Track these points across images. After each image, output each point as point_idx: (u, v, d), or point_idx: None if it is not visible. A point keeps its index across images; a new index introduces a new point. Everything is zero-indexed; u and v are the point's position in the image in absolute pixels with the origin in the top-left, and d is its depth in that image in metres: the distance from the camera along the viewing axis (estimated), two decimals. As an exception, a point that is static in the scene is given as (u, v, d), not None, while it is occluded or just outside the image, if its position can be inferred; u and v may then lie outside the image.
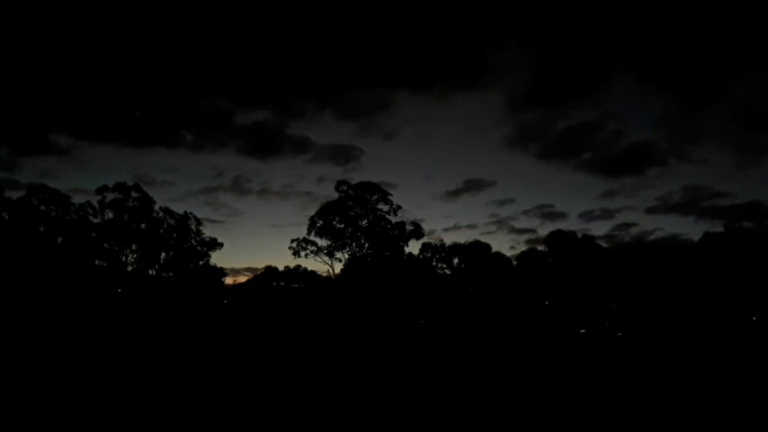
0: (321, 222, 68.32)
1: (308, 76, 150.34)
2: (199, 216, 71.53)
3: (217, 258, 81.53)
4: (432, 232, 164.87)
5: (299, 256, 69.22)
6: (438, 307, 68.53)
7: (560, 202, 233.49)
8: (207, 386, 19.08)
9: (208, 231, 74.13)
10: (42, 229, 63.00)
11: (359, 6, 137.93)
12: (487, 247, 78.44)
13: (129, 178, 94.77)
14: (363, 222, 69.18)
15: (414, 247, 73.17)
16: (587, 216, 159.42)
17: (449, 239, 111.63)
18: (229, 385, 19.46)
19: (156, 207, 68.05)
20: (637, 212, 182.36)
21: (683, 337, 53.49)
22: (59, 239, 63.93)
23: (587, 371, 27.08)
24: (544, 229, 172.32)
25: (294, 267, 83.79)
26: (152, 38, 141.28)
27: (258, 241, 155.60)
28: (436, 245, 77.43)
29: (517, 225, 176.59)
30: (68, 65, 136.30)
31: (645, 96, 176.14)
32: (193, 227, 70.26)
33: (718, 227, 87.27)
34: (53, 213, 63.37)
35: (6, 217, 61.64)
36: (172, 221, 68.90)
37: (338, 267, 70.10)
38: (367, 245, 69.32)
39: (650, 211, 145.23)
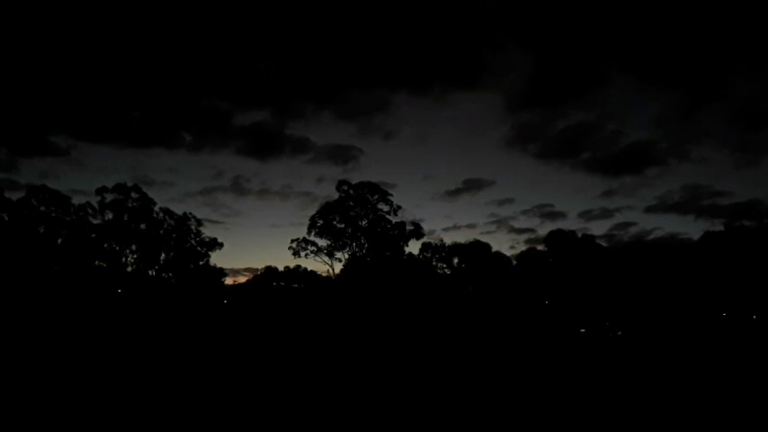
0: (321, 222, 68.34)
1: (308, 76, 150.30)
2: (198, 216, 71.67)
3: (216, 259, 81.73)
4: (431, 232, 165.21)
5: (299, 256, 69.35)
6: (438, 307, 68.51)
7: (560, 201, 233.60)
8: (207, 386, 19.07)
9: (207, 232, 74.30)
10: (42, 229, 62.98)
11: (358, 7, 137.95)
12: (487, 246, 78.53)
13: (128, 179, 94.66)
14: (363, 222, 69.18)
15: (414, 247, 73.33)
16: (587, 215, 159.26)
17: (448, 239, 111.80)
18: (230, 385, 19.46)
19: (156, 208, 68.15)
20: (636, 212, 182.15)
21: (683, 336, 53.50)
22: (59, 240, 63.91)
23: (587, 370, 27.09)
24: (543, 229, 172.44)
25: (294, 267, 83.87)
26: (151, 38, 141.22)
27: (257, 241, 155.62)
28: (436, 245, 77.53)
29: (516, 225, 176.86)
30: (68, 65, 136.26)
31: (644, 96, 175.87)
32: (193, 227, 70.33)
33: (717, 226, 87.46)
34: (53, 214, 63.37)
35: (6, 218, 61.61)
36: (172, 222, 68.93)
37: (338, 267, 70.21)
38: (367, 245, 69.32)
39: (649, 210, 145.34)
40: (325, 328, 56.48)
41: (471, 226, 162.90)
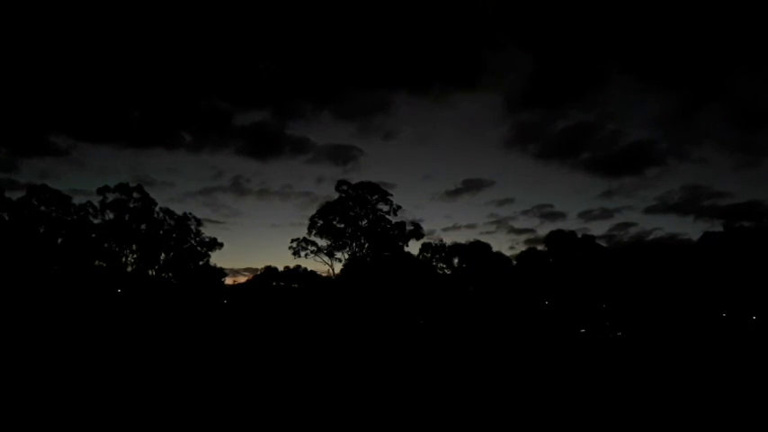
0: (321, 222, 68.38)
1: (307, 76, 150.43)
2: (198, 216, 71.73)
3: (216, 258, 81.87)
4: (431, 232, 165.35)
5: (299, 256, 69.40)
6: (438, 307, 68.58)
7: (559, 201, 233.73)
8: (207, 386, 19.10)
9: (207, 232, 74.45)
10: (42, 229, 63.01)
11: (358, 7, 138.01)
12: (487, 246, 78.60)
13: (128, 179, 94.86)
14: (363, 222, 69.23)
15: (414, 247, 73.39)
16: (586, 216, 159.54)
17: (448, 239, 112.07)
18: (229, 385, 19.49)
19: (157, 208, 68.18)
20: (636, 212, 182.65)
21: (683, 337, 53.56)
22: (59, 240, 63.94)
23: (587, 370, 27.13)
24: (543, 229, 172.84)
25: (294, 267, 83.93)
26: (151, 39, 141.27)
27: (257, 241, 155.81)
28: (436, 245, 77.60)
29: (516, 225, 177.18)
30: (68, 65, 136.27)
31: (643, 96, 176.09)
32: (193, 227, 70.38)
33: (717, 226, 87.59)
34: (53, 214, 63.40)
35: (6, 218, 61.64)
36: (172, 222, 68.98)
37: (338, 267, 70.26)
38: (367, 245, 69.37)
39: (649, 210, 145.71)
40: (325, 329, 56.51)
41: (471, 226, 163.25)
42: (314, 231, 68.43)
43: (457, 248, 77.60)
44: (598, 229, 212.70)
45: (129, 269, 67.60)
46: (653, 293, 68.33)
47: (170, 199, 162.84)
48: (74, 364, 25.41)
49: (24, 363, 25.71)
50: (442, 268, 77.21)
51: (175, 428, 12.87)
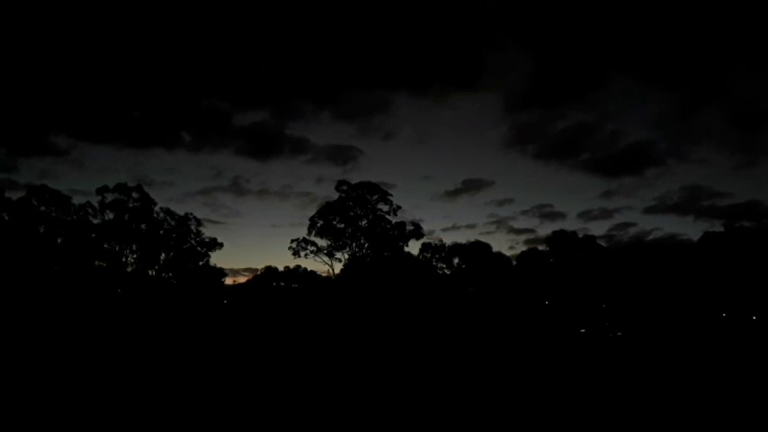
0: (321, 222, 68.30)
1: (307, 76, 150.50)
2: (198, 216, 71.61)
3: (216, 259, 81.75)
4: (430, 232, 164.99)
5: (299, 256, 69.30)
6: (438, 307, 68.47)
7: (559, 202, 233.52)
8: (207, 386, 19.05)
9: (207, 232, 74.12)
10: (42, 229, 62.96)
11: (357, 7, 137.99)
12: (488, 246, 78.49)
13: (127, 179, 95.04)
14: (363, 222, 69.15)
15: (413, 248, 73.27)
16: (586, 216, 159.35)
17: (448, 239, 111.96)
18: (229, 385, 19.44)
19: (157, 208, 68.11)
20: (635, 212, 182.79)
21: (683, 337, 53.47)
22: (59, 240, 63.89)
23: (587, 370, 27.07)
24: (543, 229, 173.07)
25: (294, 267, 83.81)
26: (151, 39, 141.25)
27: (257, 241, 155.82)
28: (436, 245, 77.48)
29: (516, 225, 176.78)
30: (68, 65, 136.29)
31: (643, 97, 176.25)
32: (193, 227, 70.29)
33: (716, 227, 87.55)
34: (53, 214, 63.34)
35: (6, 218, 61.59)
36: (172, 222, 68.90)
37: (338, 267, 70.17)
38: (367, 245, 69.28)
39: (648, 210, 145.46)
40: (325, 329, 56.45)
41: (471, 226, 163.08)
42: (314, 231, 68.37)
43: (457, 248, 77.52)
44: (598, 229, 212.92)
45: (129, 269, 67.54)
46: (653, 294, 68.24)
47: (170, 199, 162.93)
48: (74, 365, 25.36)
49: (25, 363, 25.67)
50: (441, 268, 77.13)
51: (175, 428, 12.82)
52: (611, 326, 66.01)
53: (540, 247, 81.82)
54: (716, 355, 35.99)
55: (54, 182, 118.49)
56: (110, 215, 65.65)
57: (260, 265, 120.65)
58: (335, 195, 69.40)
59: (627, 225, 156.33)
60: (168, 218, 68.74)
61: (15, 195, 63.09)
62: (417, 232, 70.73)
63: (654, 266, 70.38)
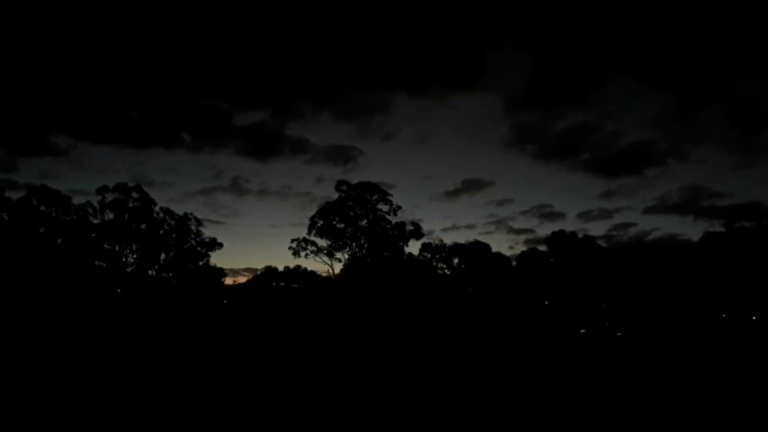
0: (321, 222, 68.30)
1: (307, 77, 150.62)
2: (198, 216, 71.66)
3: (216, 259, 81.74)
4: (430, 232, 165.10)
5: (299, 256, 69.31)
6: (438, 307, 68.48)
7: (559, 202, 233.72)
8: (207, 386, 19.05)
9: (207, 232, 74.16)
10: (42, 229, 62.96)
11: (357, 8, 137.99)
12: (487, 247, 78.53)
13: (127, 179, 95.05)
14: (363, 222, 69.14)
15: (413, 248, 73.31)
16: (586, 216, 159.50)
17: (447, 239, 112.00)
18: (229, 385, 19.44)
19: (157, 208, 68.12)
20: (635, 212, 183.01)
21: (683, 337, 53.47)
22: (59, 240, 63.89)
23: (587, 371, 27.06)
24: (543, 229, 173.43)
25: (294, 267, 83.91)
26: (151, 39, 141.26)
27: (257, 242, 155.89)
28: (436, 245, 77.50)
29: (516, 225, 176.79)
30: (68, 65, 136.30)
31: (643, 97, 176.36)
32: (193, 227, 70.31)
33: (716, 227, 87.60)
34: (53, 214, 63.34)
35: (6, 218, 61.60)
36: (172, 222, 68.91)
37: (338, 267, 70.17)
38: (367, 245, 69.28)
39: (648, 211, 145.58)
40: (325, 329, 56.44)
41: (470, 226, 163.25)
42: (314, 231, 68.38)
43: (457, 248, 77.55)
44: (597, 229, 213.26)
45: (129, 269, 67.55)
46: (653, 294, 68.23)
47: (169, 199, 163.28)
48: (74, 365, 25.36)
49: (25, 363, 25.67)
50: (441, 268, 77.15)
51: (176, 428, 12.82)
52: (610, 326, 66.00)
53: (540, 248, 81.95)
54: (716, 355, 35.99)
55: (54, 182, 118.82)
56: (110, 215, 65.70)
57: (260, 265, 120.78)
58: (335, 195, 69.49)
59: (627, 225, 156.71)
60: (168, 218, 68.77)
61: (15, 195, 63.20)
62: (417, 232, 70.79)
63: (654, 267, 70.37)
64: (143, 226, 66.89)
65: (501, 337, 53.12)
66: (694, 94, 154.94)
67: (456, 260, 77.48)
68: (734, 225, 73.85)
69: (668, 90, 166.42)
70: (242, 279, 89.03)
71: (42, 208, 62.90)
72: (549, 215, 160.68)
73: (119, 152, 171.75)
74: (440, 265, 77.01)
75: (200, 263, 71.27)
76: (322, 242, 68.85)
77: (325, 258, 69.49)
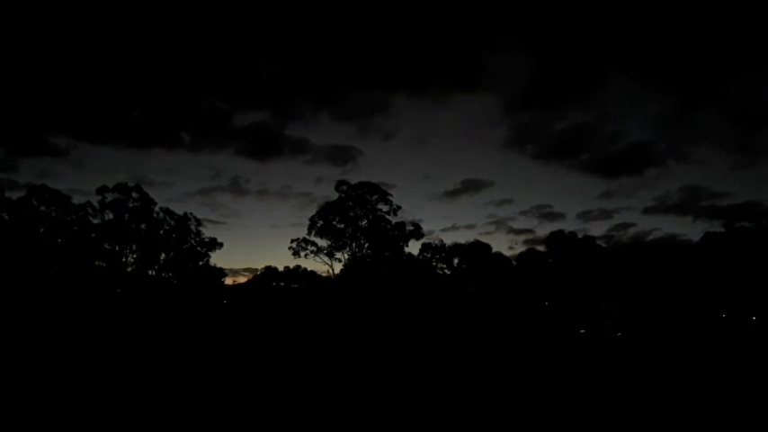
0: (321, 222, 68.29)
1: (307, 77, 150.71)
2: (198, 217, 71.63)
3: (216, 259, 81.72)
4: (430, 232, 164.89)
5: (299, 257, 69.29)
6: (438, 307, 68.48)
7: (558, 202, 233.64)
8: (207, 386, 19.05)
9: (206, 232, 74.17)
10: (42, 229, 62.95)
11: (357, 8, 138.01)
12: (488, 247, 78.53)
13: (127, 179, 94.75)
14: (363, 222, 69.13)
15: (413, 248, 73.27)
16: (585, 216, 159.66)
17: (447, 240, 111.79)
18: (229, 385, 19.43)
19: (157, 208, 68.12)
20: (634, 213, 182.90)
21: (683, 338, 53.46)
22: (59, 240, 63.87)
23: (587, 371, 27.06)
24: (542, 230, 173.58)
25: (294, 267, 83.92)
26: (151, 39, 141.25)
27: (257, 242, 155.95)
28: (436, 245, 77.48)
29: (515, 225, 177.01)
30: (68, 65, 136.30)
31: (642, 97, 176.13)
32: (193, 227, 70.30)
33: (716, 227, 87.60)
34: (53, 214, 63.32)
35: (6, 218, 61.58)
36: (172, 222, 68.89)
37: (338, 267, 70.16)
38: (367, 245, 69.28)
39: (648, 211, 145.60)
40: (325, 329, 56.43)
41: (470, 226, 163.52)
42: (314, 231, 68.37)
43: (457, 249, 77.54)
44: (597, 229, 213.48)
45: (129, 269, 67.54)
46: (653, 294, 68.23)
47: (169, 199, 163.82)
48: (74, 365, 25.35)
49: (25, 363, 25.66)
50: (441, 268, 77.14)
51: (176, 428, 12.82)
52: (610, 326, 65.99)
53: (540, 248, 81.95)
54: (716, 355, 35.98)
55: (54, 182, 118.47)
56: (110, 215, 65.68)
57: (260, 265, 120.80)
58: (335, 195, 69.50)
59: (626, 225, 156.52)
60: (168, 218, 68.76)
61: (15, 195, 63.18)
62: (417, 232, 70.78)
63: (653, 267, 70.37)
64: (143, 226, 66.89)
65: (501, 337, 53.11)
66: (694, 94, 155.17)
67: (456, 260, 77.50)
68: (734, 225, 73.89)
69: (668, 90, 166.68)
70: (242, 279, 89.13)
71: (42, 208, 62.88)
72: (548, 215, 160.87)
73: (119, 152, 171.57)
74: (440, 265, 77.03)
75: (200, 263, 71.26)
76: (322, 242, 68.93)
77: (325, 258, 69.56)
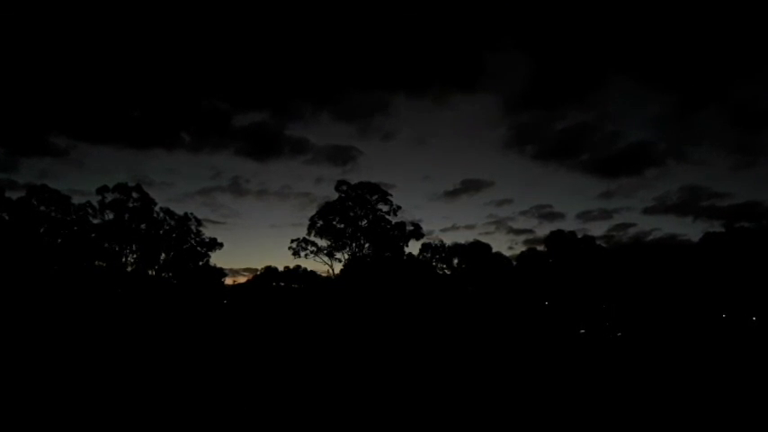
0: (321, 222, 68.31)
1: (307, 77, 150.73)
2: (198, 217, 71.64)
3: (215, 259, 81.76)
4: (429, 233, 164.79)
5: (299, 257, 69.30)
6: (438, 307, 68.49)
7: (558, 202, 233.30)
8: (207, 386, 19.05)
9: (206, 232, 74.16)
10: (42, 229, 62.95)
11: (357, 8, 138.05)
12: (487, 247, 78.54)
13: (127, 179, 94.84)
14: (363, 222, 69.15)
15: (414, 248, 73.31)
16: (585, 216, 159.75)
17: (447, 240, 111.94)
18: (229, 385, 19.43)
19: (157, 208, 68.14)
20: (634, 213, 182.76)
21: (682, 338, 53.47)
22: (59, 240, 63.88)
23: (587, 371, 27.07)
24: (542, 230, 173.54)
25: (294, 267, 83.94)
26: (151, 39, 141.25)
27: (256, 242, 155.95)
28: (436, 245, 77.50)
29: (515, 225, 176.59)
30: (67, 65, 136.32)
31: (642, 97, 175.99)
32: (193, 227, 70.32)
33: (715, 227, 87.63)
34: (53, 214, 63.34)
35: (6, 218, 61.59)
36: (172, 222, 68.92)
37: (338, 267, 70.17)
38: (367, 245, 69.30)
39: (648, 211, 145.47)
40: (325, 329, 56.44)
41: (470, 226, 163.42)
42: (314, 231, 68.38)
43: (457, 249, 77.56)
44: (597, 229, 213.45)
45: (129, 269, 67.55)
46: (653, 294, 68.23)
47: (169, 199, 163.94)
48: (74, 365, 25.35)
49: (25, 363, 25.66)
50: (441, 268, 77.15)
51: (176, 428, 12.82)
52: (610, 326, 66.00)
53: (540, 248, 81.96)
54: (716, 355, 35.99)
55: (54, 182, 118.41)
56: (110, 215, 65.71)
57: (260, 265, 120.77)
58: (335, 196, 69.52)
59: (626, 225, 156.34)
60: (168, 218, 68.78)
61: (15, 195, 63.20)
62: (417, 232, 70.79)
63: (653, 267, 70.38)
64: (143, 226, 66.91)
65: (501, 337, 53.11)
66: (694, 94, 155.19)
67: (456, 260, 77.52)
68: (734, 225, 73.90)
69: (668, 90, 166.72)
70: (242, 279, 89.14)
71: (42, 208, 62.90)
72: (548, 215, 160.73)
73: (119, 152, 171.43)
74: (440, 265, 77.04)
75: (201, 263, 71.29)
76: (322, 242, 68.94)
77: (326, 258, 69.57)
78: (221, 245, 71.74)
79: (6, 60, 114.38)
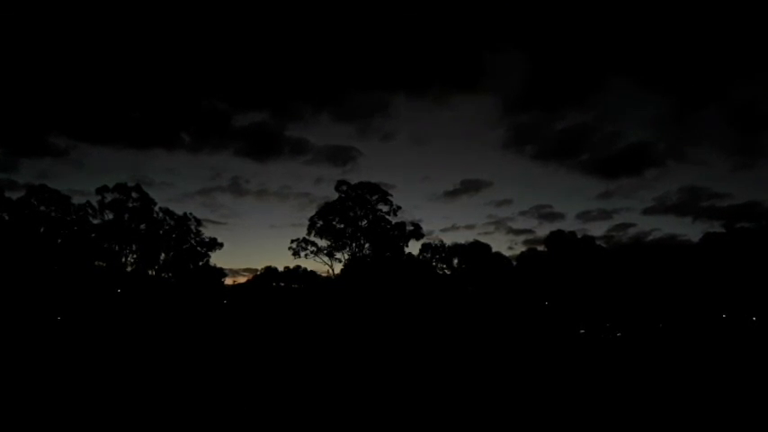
0: (321, 223, 68.31)
1: (307, 78, 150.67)
2: (197, 217, 71.60)
3: (215, 259, 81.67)
4: (429, 233, 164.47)
5: (299, 257, 69.30)
6: (438, 307, 68.49)
7: (558, 202, 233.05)
8: (207, 386, 19.05)
9: (206, 232, 74.11)
10: (42, 229, 62.94)
11: (357, 9, 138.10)
12: (487, 247, 78.54)
13: (127, 179, 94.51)
14: (363, 223, 69.15)
15: (413, 248, 73.29)
16: (585, 216, 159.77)
17: (447, 240, 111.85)
18: (229, 385, 19.43)
19: (156, 208, 68.12)
20: (634, 213, 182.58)
21: (683, 338, 53.50)
22: (59, 240, 63.86)
23: (587, 371, 27.07)
24: (542, 230, 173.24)
25: (294, 268, 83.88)
26: (150, 39, 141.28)
27: (256, 242, 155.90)
28: (436, 245, 77.48)
29: (515, 225, 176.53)
30: (67, 66, 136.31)
31: (642, 98, 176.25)
32: (193, 227, 70.30)
33: (715, 227, 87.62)
34: (53, 214, 63.33)
35: (6, 218, 61.57)
36: (172, 222, 68.90)
37: (338, 268, 70.17)
38: (367, 245, 69.30)
39: (647, 211, 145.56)
40: (325, 329, 56.45)
41: (469, 227, 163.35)
42: (314, 232, 68.38)
43: (457, 249, 77.55)
44: (596, 229, 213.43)
45: (129, 269, 67.53)
46: (653, 294, 68.25)
47: (169, 199, 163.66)
48: (74, 364, 25.35)
49: (25, 363, 25.66)
50: (441, 268, 77.15)
51: (176, 428, 12.82)
52: (610, 326, 66.02)
53: (539, 248, 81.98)
54: (716, 355, 36.00)
55: (54, 182, 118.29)
56: (109, 215, 65.71)
57: (260, 266, 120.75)
58: (335, 196, 69.54)
59: (626, 226, 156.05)
60: (168, 218, 68.78)
61: (15, 195, 63.20)
62: (417, 232, 70.80)
63: (653, 267, 70.41)
64: (143, 226, 66.91)
65: (501, 337, 53.12)
66: (693, 95, 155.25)
67: (456, 260, 77.52)
68: (734, 225, 73.91)
69: (667, 91, 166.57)
70: (242, 279, 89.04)
71: (42, 208, 62.89)
72: (548, 216, 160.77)
73: (119, 152, 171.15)
74: (440, 265, 77.03)
75: (200, 263, 71.27)
76: (322, 242, 68.94)
77: (326, 258, 69.57)
78: (221, 245, 71.80)
79: (6, 60, 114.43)
